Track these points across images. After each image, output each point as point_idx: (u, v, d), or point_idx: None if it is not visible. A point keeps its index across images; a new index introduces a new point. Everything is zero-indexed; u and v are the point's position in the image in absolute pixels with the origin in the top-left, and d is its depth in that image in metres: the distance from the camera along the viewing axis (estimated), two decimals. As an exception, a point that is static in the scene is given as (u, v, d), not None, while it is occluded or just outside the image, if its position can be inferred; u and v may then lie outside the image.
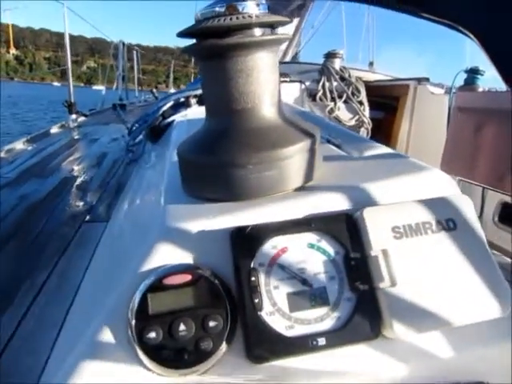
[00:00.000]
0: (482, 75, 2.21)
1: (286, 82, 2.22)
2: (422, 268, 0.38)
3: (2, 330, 0.55)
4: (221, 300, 0.36)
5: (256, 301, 0.36)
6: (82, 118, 3.12)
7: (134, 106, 3.94)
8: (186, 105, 1.33)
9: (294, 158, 0.43)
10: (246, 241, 0.38)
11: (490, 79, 2.31)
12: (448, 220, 0.40)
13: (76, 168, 1.51)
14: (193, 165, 0.46)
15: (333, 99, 2.06)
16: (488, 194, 2.05)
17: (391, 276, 0.38)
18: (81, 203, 1.05)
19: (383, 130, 2.59)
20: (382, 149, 0.58)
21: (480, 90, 2.23)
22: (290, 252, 0.39)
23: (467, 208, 0.42)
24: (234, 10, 0.43)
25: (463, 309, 0.37)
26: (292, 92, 2.21)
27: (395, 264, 0.38)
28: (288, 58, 3.60)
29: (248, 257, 0.38)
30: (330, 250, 0.39)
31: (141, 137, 1.40)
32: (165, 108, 1.33)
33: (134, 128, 1.45)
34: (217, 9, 0.43)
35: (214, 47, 0.42)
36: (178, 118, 1.22)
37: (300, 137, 0.45)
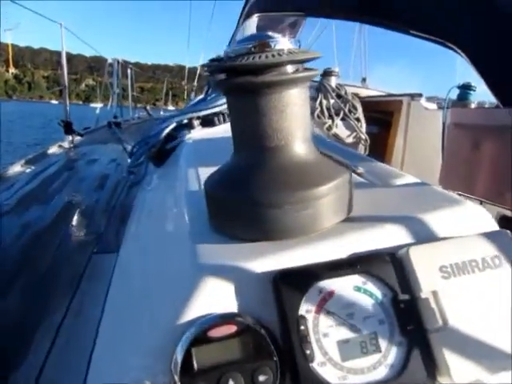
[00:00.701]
0: (475, 91, 2.25)
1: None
2: (472, 309, 0.37)
3: (21, 381, 0.52)
4: (269, 351, 0.35)
5: (307, 352, 0.34)
6: (78, 138, 3.08)
7: (129, 123, 3.92)
8: (189, 126, 1.32)
9: (330, 195, 0.42)
10: (291, 285, 0.37)
11: (482, 94, 2.36)
12: (493, 257, 0.40)
13: (78, 192, 1.48)
14: (224, 202, 0.45)
15: (330, 117, 2.07)
16: (485, 207, 2.06)
17: (443, 318, 0.37)
18: (88, 231, 1.02)
19: (378, 145, 2.61)
20: (406, 177, 0.58)
21: (473, 105, 2.28)
22: (336, 296, 0.37)
23: (510, 243, 0.41)
24: (266, 47, 0.42)
25: None
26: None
27: (446, 305, 0.37)
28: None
29: (295, 303, 0.36)
30: (377, 293, 0.38)
31: (142, 159, 1.38)
32: (167, 130, 1.32)
33: (135, 150, 1.43)
34: (249, 45, 0.42)
35: (249, 84, 0.41)
36: (182, 140, 1.21)
37: (334, 173, 0.44)
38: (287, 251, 0.40)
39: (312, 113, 2.09)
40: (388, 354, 0.36)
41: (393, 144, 2.61)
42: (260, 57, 0.40)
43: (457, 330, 0.36)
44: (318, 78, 2.34)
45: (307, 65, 0.46)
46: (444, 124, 2.14)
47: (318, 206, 0.42)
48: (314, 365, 0.34)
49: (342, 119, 2.10)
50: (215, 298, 0.37)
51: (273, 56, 0.40)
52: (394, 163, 2.67)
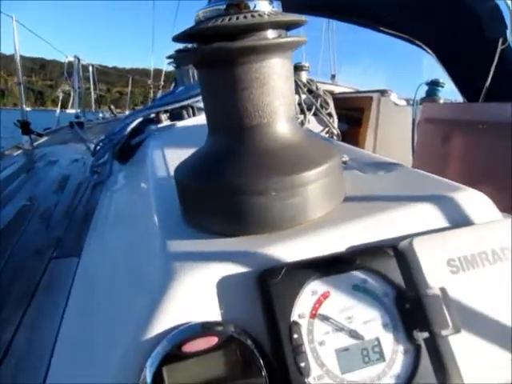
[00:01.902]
0: (443, 87, 2.29)
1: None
2: (485, 307, 0.33)
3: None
4: (257, 366, 0.29)
5: (302, 364, 0.29)
6: (40, 139, 2.89)
7: (92, 123, 3.73)
8: (156, 121, 1.24)
9: (320, 181, 0.37)
10: (280, 286, 0.31)
11: (449, 91, 2.41)
12: (503, 248, 0.35)
13: (35, 195, 1.35)
14: (198, 192, 0.38)
15: (302, 112, 2.03)
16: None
17: (453, 319, 0.32)
18: (45, 236, 0.92)
19: (349, 142, 2.61)
20: (394, 165, 0.53)
21: (441, 101, 2.31)
22: (332, 297, 0.32)
23: None
24: (244, 8, 0.36)
25: None
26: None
27: (456, 304, 0.32)
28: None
29: (286, 307, 0.30)
30: (379, 292, 0.33)
31: (106, 157, 1.29)
32: (133, 125, 1.23)
33: (99, 147, 1.34)
34: (221, 7, 0.36)
35: (223, 51, 0.35)
36: (148, 135, 1.13)
37: (323, 156, 0.38)
38: (274, 246, 0.34)
39: (284, 108, 2.05)
40: (393, 363, 0.31)
41: (363, 141, 2.62)
42: (237, 18, 0.34)
43: (470, 332, 0.32)
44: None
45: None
46: (414, 120, 2.16)
47: (306, 193, 0.36)
48: (310, 380, 0.29)
49: (314, 114, 2.07)
50: (191, 304, 0.31)
51: (252, 17, 0.34)
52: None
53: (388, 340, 0.32)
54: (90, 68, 4.66)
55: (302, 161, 0.37)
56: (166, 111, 1.28)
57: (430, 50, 2.57)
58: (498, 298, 0.33)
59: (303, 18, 0.40)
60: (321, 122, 2.17)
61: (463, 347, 0.31)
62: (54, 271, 0.71)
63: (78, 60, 4.29)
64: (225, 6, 0.36)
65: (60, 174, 1.55)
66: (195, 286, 0.31)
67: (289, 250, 0.34)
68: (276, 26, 0.36)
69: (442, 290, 0.32)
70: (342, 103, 2.87)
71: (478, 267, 0.34)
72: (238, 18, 0.35)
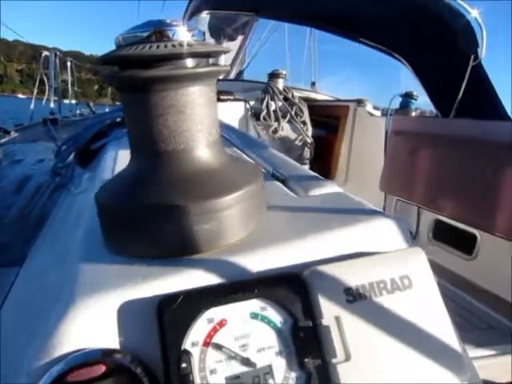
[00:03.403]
0: (416, 100, 2.35)
1: (230, 100, 2.18)
2: (378, 336, 0.34)
3: None
4: None
5: None
6: (9, 136, 2.79)
7: (68, 120, 3.64)
8: (122, 124, 1.23)
9: (234, 207, 0.38)
10: (175, 314, 0.31)
11: (423, 103, 2.47)
12: (403, 277, 0.37)
13: None
14: (114, 214, 0.39)
15: (276, 119, 2.05)
16: (423, 212, 2.16)
17: (345, 348, 0.33)
18: None
19: (326, 149, 2.65)
20: (330, 187, 0.55)
21: (414, 113, 2.37)
22: (229, 325, 0.33)
23: (421, 262, 0.39)
24: (163, 36, 0.37)
25: (423, 380, 0.34)
26: (237, 111, 2.17)
27: (349, 333, 0.33)
28: (232, 76, 3.59)
29: (178, 335, 0.31)
30: (276, 320, 0.34)
31: (71, 159, 1.27)
32: (97, 128, 1.22)
33: (63, 148, 1.32)
34: (142, 33, 0.37)
35: (137, 79, 0.35)
36: (112, 139, 1.12)
37: (243, 181, 0.39)
38: (179, 271, 0.35)
39: (258, 115, 2.07)
40: None
41: (339, 148, 2.66)
42: (157, 46, 0.35)
43: (361, 361, 0.33)
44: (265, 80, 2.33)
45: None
46: (386, 131, 2.21)
47: (219, 219, 0.37)
48: None
49: (288, 122, 2.09)
50: (91, 330, 0.31)
51: (172, 46, 0.35)
52: (340, 167, 2.72)
53: (280, 367, 0.32)
54: (69, 63, 4.56)
55: (218, 186, 0.38)
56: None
57: (406, 63, 2.64)
58: (392, 327, 0.35)
59: (223, 47, 0.41)
60: (295, 129, 2.20)
61: (353, 375, 0.33)
62: None
63: (55, 54, 4.18)
64: (147, 33, 0.37)
65: (21, 175, 1.51)
66: (95, 312, 0.31)
67: (192, 276, 0.34)
68: (194, 55, 0.37)
69: (337, 318, 0.34)
70: (321, 111, 2.90)
71: (375, 296, 0.35)
72: (157, 47, 0.35)
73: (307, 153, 2.17)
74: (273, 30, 3.98)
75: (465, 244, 1.90)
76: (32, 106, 4.03)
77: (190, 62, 0.37)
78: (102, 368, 0.29)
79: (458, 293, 1.72)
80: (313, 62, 4.26)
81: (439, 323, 0.36)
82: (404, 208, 2.32)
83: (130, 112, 0.39)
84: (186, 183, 0.38)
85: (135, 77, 0.35)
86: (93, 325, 0.31)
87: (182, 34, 0.37)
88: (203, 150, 0.39)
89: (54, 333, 0.31)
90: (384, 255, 0.38)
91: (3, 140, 2.63)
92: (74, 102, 4.79)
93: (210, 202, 0.36)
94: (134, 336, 0.32)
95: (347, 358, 0.33)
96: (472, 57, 2.15)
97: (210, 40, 3.84)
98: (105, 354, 0.30)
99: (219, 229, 0.37)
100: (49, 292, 0.40)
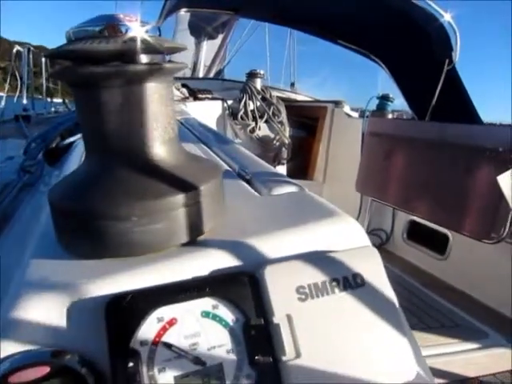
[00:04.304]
0: (392, 102, 2.39)
1: (208, 98, 2.17)
2: (329, 333, 0.34)
3: None
4: None
5: None
6: None
7: (42, 117, 3.54)
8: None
9: (185, 207, 0.37)
10: (124, 314, 0.31)
11: (400, 105, 2.52)
12: (355, 275, 0.37)
13: None
14: (64, 214, 0.38)
15: (254, 119, 2.05)
16: (398, 213, 2.20)
17: (296, 346, 0.33)
18: None
19: (304, 149, 2.67)
20: (292, 187, 0.55)
21: (390, 115, 2.41)
22: (179, 324, 0.32)
23: (375, 260, 0.39)
24: (115, 32, 0.36)
25: (371, 377, 0.34)
26: (214, 110, 2.16)
27: (300, 331, 0.33)
28: (212, 74, 3.57)
29: (126, 335, 0.30)
30: (228, 318, 0.33)
31: (39, 156, 1.24)
32: (65, 126, 1.20)
33: (32, 146, 1.28)
34: (93, 28, 0.36)
35: (86, 75, 0.34)
36: (78, 139, 1.09)
37: (196, 182, 0.39)
38: (129, 271, 0.34)
39: (236, 114, 2.06)
40: None
41: (317, 149, 2.68)
42: (101, 42, 0.34)
43: (310, 359, 0.33)
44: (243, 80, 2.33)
45: None
46: (363, 132, 2.24)
47: (169, 219, 0.36)
48: None
49: (266, 122, 2.10)
50: (36, 329, 0.30)
51: (117, 42, 0.34)
52: (318, 168, 2.75)
53: (231, 365, 0.32)
54: (43, 59, 4.43)
55: (171, 185, 0.37)
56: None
57: (383, 65, 2.68)
58: (344, 324, 0.35)
59: (179, 44, 0.40)
60: (272, 129, 2.21)
61: (302, 371, 0.33)
62: None
63: (29, 49, 4.06)
64: (99, 28, 0.36)
65: None
66: (44, 310, 0.31)
67: (141, 276, 0.34)
68: (147, 51, 0.36)
69: (288, 316, 0.34)
70: (299, 111, 2.92)
71: (327, 294, 0.36)
72: (109, 42, 0.35)
73: (284, 153, 2.18)
74: (253, 30, 3.98)
75: (438, 244, 1.94)
76: (3, 103, 3.89)
77: (143, 58, 0.36)
78: (47, 369, 0.28)
79: (428, 293, 1.76)
80: (292, 63, 4.29)
81: (391, 321, 0.37)
82: (379, 208, 2.36)
83: (82, 109, 0.38)
84: (139, 182, 0.37)
85: (85, 73, 0.34)
86: (38, 324, 0.31)
87: (136, 30, 0.36)
88: (158, 148, 0.38)
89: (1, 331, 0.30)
90: (338, 254, 0.38)
91: None
92: (49, 99, 4.66)
93: (163, 200, 0.36)
94: (82, 335, 0.31)
95: (297, 355, 0.33)
96: (447, 61, 2.20)
97: (190, 38, 3.82)
98: (52, 355, 0.29)
99: (170, 229, 0.37)
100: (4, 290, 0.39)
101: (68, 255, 0.37)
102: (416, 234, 2.15)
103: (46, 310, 0.31)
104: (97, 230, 0.36)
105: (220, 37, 3.79)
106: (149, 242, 0.36)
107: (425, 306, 1.59)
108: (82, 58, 0.34)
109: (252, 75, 2.21)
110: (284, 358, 0.32)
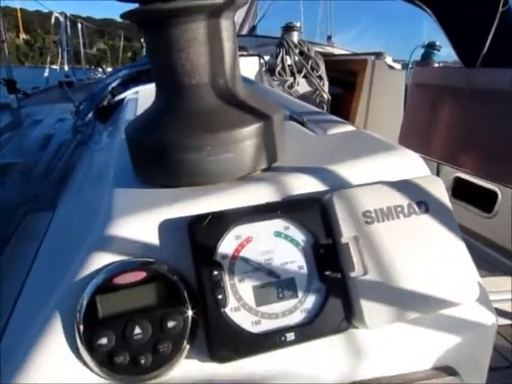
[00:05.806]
0: (439, 50, 2.24)
1: (243, 55, 2.13)
2: (394, 254, 0.36)
3: None
4: (180, 298, 0.33)
5: (219, 297, 0.32)
6: (27, 98, 2.83)
7: (83, 83, 3.64)
8: (136, 81, 1.24)
9: (254, 139, 0.39)
10: (206, 231, 0.34)
11: (446, 55, 2.36)
12: (420, 203, 0.38)
13: (18, 152, 1.36)
14: (142, 147, 0.41)
15: (292, 74, 2.01)
16: (443, 168, 2.12)
17: (362, 264, 0.35)
18: (24, 192, 0.94)
19: (342, 106, 2.59)
20: (347, 126, 0.55)
21: (436, 65, 2.27)
22: (254, 242, 0.35)
23: (439, 189, 0.39)
24: None
25: (435, 297, 0.36)
26: (250, 66, 2.13)
27: (367, 251, 0.35)
28: (244, 31, 3.48)
29: (209, 249, 0.34)
30: (299, 238, 0.36)
31: (90, 116, 1.30)
32: (114, 85, 1.23)
33: (82, 107, 1.34)
34: None
35: (159, 12, 0.36)
36: (128, 95, 1.13)
37: (261, 116, 0.40)
38: (206, 197, 0.37)
39: (273, 70, 2.02)
40: (305, 300, 0.34)
41: (356, 105, 2.59)
42: None
43: (378, 276, 0.35)
44: (279, 34, 2.26)
45: None
46: (406, 84, 2.14)
47: (240, 149, 0.38)
48: (227, 310, 0.33)
49: (304, 77, 2.05)
50: (128, 244, 0.34)
51: None
52: (357, 124, 2.67)
53: (302, 280, 0.35)
54: (79, 25, 4.48)
55: (239, 118, 0.39)
56: (147, 71, 1.28)
57: (429, 11, 2.50)
58: (408, 247, 0.36)
59: None
60: (311, 84, 2.15)
61: (369, 287, 0.35)
62: (28, 224, 0.74)
63: (66, 16, 4.10)
64: None
65: (44, 134, 1.55)
66: (132, 230, 0.35)
67: (218, 200, 0.36)
68: None
69: (355, 238, 0.36)
70: (337, 66, 2.81)
71: (392, 219, 0.37)
72: None
73: (324, 109, 2.13)
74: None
75: (485, 202, 1.87)
76: (46, 73, 4.03)
77: None
78: (143, 274, 0.32)
79: (476, 246, 1.71)
80: (328, 15, 4.08)
81: (455, 248, 0.38)
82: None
83: (153, 49, 0.40)
84: (209, 116, 0.39)
85: (154, 10, 0.35)
86: (129, 240, 0.34)
87: None
88: (226, 83, 0.40)
89: (98, 245, 0.34)
90: (402, 182, 0.39)
91: (24, 101, 2.69)
92: (87, 66, 4.76)
93: (231, 132, 0.38)
94: (168, 250, 0.35)
95: (364, 273, 0.35)
96: (501, 1, 2.02)
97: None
98: (145, 263, 0.33)
99: (240, 159, 0.39)
100: (87, 220, 0.43)
101: (146, 185, 0.41)
102: (461, 191, 2.06)
103: (136, 228, 0.35)
104: (173, 160, 0.38)
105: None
106: (221, 170, 0.38)
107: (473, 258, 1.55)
108: None
109: (288, 29, 2.14)
110: (352, 274, 0.35)
